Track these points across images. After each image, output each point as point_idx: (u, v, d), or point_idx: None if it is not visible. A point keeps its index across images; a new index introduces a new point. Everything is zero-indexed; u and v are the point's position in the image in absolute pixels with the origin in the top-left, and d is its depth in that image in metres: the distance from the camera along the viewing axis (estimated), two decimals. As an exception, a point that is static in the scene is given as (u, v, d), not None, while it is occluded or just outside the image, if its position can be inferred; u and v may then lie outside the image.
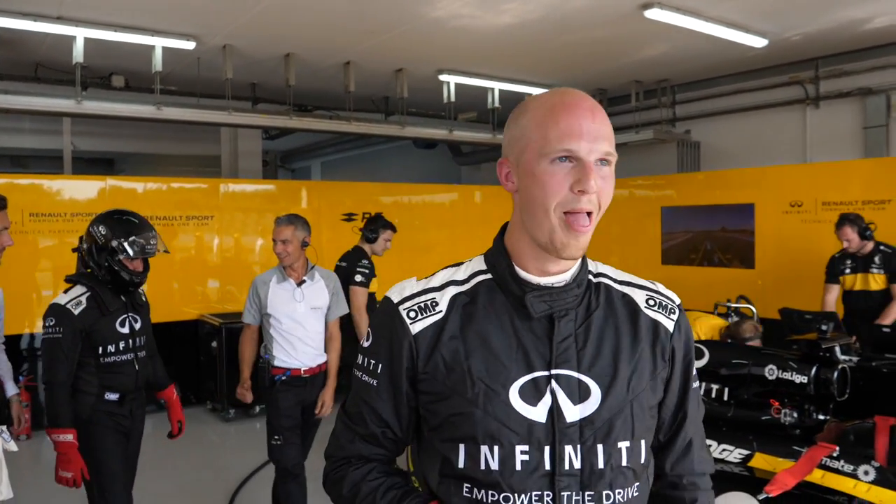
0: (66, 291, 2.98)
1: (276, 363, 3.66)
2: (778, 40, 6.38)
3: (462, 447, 1.12)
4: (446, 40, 6.27)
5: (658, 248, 7.53)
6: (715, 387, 3.27)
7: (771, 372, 3.05)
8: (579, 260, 1.19)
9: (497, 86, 7.86)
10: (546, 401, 1.11)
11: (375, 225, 5.22)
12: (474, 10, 5.46)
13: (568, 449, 1.11)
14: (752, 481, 2.88)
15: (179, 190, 7.09)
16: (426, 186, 8.91)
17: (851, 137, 7.04)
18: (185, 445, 6.04)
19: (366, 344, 1.23)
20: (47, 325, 2.90)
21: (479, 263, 1.23)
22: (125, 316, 3.06)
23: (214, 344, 6.59)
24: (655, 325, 1.21)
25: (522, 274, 1.16)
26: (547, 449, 1.11)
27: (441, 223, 8.37)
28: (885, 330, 4.13)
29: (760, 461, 2.90)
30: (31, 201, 6.17)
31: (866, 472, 2.61)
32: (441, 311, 1.17)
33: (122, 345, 3.02)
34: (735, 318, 4.52)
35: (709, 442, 2.98)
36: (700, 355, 3.35)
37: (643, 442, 1.16)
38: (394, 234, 5.33)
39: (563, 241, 1.10)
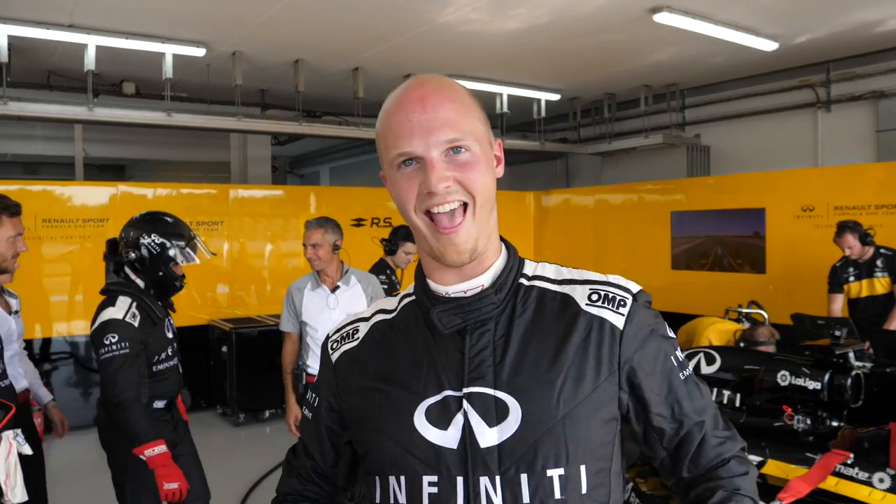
0: (111, 304, 2.74)
1: (310, 371, 3.55)
2: (788, 44, 6.36)
3: (377, 480, 1.01)
4: (454, 46, 6.28)
5: (668, 253, 7.50)
6: (727, 393, 3.25)
7: (783, 378, 3.03)
8: (499, 262, 1.04)
9: (505, 91, 7.86)
10: (457, 423, 0.96)
11: (395, 237, 5.10)
12: (483, 15, 5.46)
13: (484, 480, 0.94)
14: (765, 488, 2.85)
15: (189, 196, 7.11)
16: (435, 191, 8.91)
17: (864, 141, 6.99)
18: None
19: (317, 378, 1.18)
20: (109, 342, 2.65)
21: (410, 287, 1.13)
22: (167, 321, 2.94)
23: (225, 349, 6.61)
24: (599, 322, 1.01)
25: (433, 286, 1.04)
26: (460, 480, 0.95)
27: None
28: (900, 335, 4.10)
29: (773, 468, 2.87)
30: (43, 207, 6.20)
31: (881, 480, 2.58)
32: (357, 339, 1.10)
33: (169, 351, 2.90)
34: (747, 324, 4.49)
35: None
36: (711, 361, 3.33)
37: (584, 468, 0.96)
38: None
39: (439, 248, 0.98)
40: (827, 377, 2.92)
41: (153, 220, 2.90)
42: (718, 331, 4.31)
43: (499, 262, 1.05)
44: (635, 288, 1.06)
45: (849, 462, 2.67)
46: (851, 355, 3.02)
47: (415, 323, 1.06)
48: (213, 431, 6.38)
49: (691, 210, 7.31)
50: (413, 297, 1.10)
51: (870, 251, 5.13)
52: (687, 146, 8.32)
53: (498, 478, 0.94)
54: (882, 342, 4.09)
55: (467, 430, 0.95)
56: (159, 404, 2.83)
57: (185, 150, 9.85)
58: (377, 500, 1.01)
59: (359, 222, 7.68)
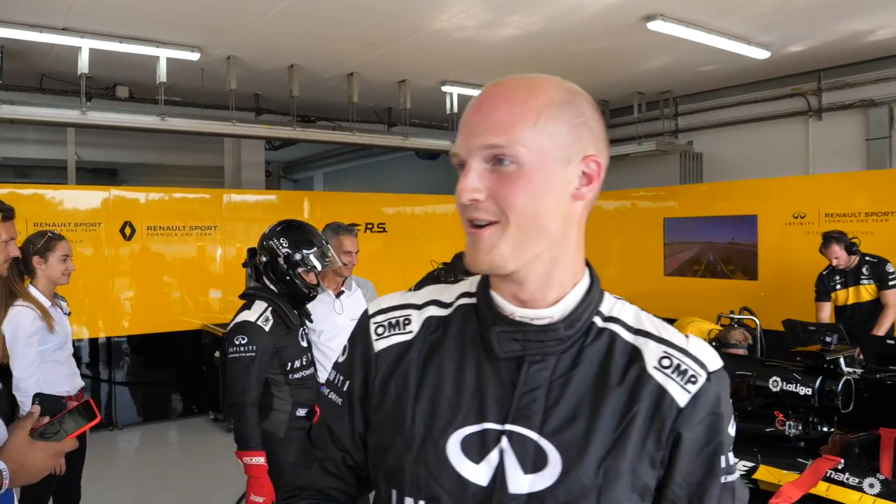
0: (247, 308, 2.86)
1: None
2: (780, 52, 6.41)
3: (393, 494, 0.93)
4: (449, 52, 6.29)
5: (661, 259, 7.53)
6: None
7: (775, 384, 3.04)
8: (575, 294, 0.94)
9: (500, 97, 7.87)
10: (491, 460, 0.88)
11: (455, 270, 4.89)
12: (477, 21, 5.48)
13: None
14: (756, 494, 2.86)
15: (182, 200, 7.10)
16: (429, 197, 8.92)
17: (854, 149, 7.04)
18: (187, 456, 6.04)
19: (340, 359, 1.07)
20: (238, 342, 2.76)
21: (470, 284, 1.03)
22: (302, 330, 2.99)
23: (217, 354, 6.58)
24: (660, 392, 0.90)
25: (498, 300, 0.94)
26: None
27: (444, 234, 8.37)
28: (890, 342, 4.12)
29: (765, 473, 2.88)
30: (34, 211, 6.18)
31: (871, 485, 2.59)
32: (411, 332, 0.99)
33: (304, 359, 2.95)
34: (735, 326, 4.51)
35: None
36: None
37: None
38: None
39: (469, 253, 0.90)
40: (818, 383, 2.93)
41: (285, 228, 3.00)
42: (695, 330, 4.36)
43: (574, 294, 0.94)
44: (714, 366, 0.94)
45: (839, 467, 2.68)
46: (842, 361, 3.04)
47: (470, 334, 0.96)
48: (206, 437, 6.35)
49: (684, 217, 7.35)
50: (473, 301, 0.99)
51: (855, 259, 5.20)
52: (680, 153, 8.36)
53: None
54: (872, 348, 4.11)
55: (500, 470, 0.88)
56: (301, 412, 2.89)
57: (178, 155, 9.82)
58: None
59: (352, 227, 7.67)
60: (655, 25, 5.42)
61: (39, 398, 3.04)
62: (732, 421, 0.97)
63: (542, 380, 0.90)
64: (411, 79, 7.30)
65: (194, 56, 6.16)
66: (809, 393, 2.94)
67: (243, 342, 2.74)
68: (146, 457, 6.03)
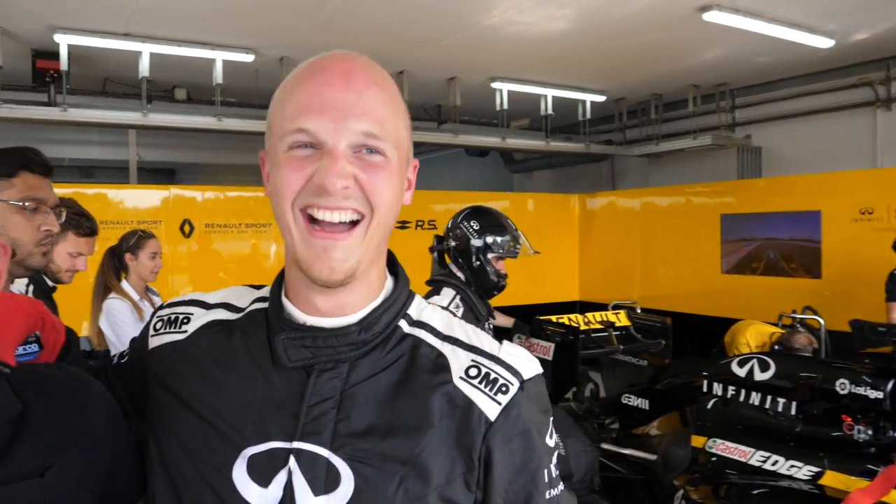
0: (436, 294, 2.69)
1: None
2: (845, 41, 6.16)
3: None
4: (500, 48, 6.25)
5: (718, 257, 7.34)
6: (781, 401, 3.15)
7: (842, 386, 2.93)
8: (379, 297, 0.86)
9: (550, 93, 7.80)
10: (279, 482, 0.79)
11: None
12: (529, 16, 5.43)
13: None
14: (823, 500, 2.76)
15: (237, 199, 7.23)
16: (478, 195, 8.89)
17: (925, 141, 6.75)
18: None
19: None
20: None
21: (267, 289, 0.93)
22: (488, 323, 2.81)
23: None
24: (467, 405, 0.82)
25: (288, 307, 0.86)
26: None
27: (495, 231, 8.34)
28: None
29: (832, 479, 2.78)
30: (98, 210, 6.32)
31: (947, 494, 2.48)
32: (185, 333, 0.90)
33: None
34: (801, 329, 4.36)
35: (776, 458, 2.88)
36: (765, 367, 3.24)
37: None
38: None
39: (308, 256, 0.78)
40: (890, 386, 2.82)
41: (477, 212, 2.87)
42: (756, 333, 4.24)
43: (379, 298, 0.86)
44: (529, 372, 0.86)
45: (913, 475, 2.57)
46: (915, 363, 2.91)
47: (257, 342, 0.86)
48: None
49: (742, 213, 7.15)
50: (265, 306, 0.90)
51: None
52: (737, 147, 8.14)
53: None
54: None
55: (289, 493, 0.78)
56: None
57: (233, 154, 10.02)
58: None
59: (403, 225, 7.70)
60: (711, 16, 5.27)
61: None
62: (552, 429, 0.89)
63: (333, 389, 0.81)
64: (461, 76, 7.28)
65: (249, 58, 6.26)
66: (881, 396, 2.82)
67: None
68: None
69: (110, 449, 0.86)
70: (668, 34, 5.94)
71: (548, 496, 0.85)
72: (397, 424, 0.80)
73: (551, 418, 0.90)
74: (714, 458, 3.14)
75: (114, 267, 3.46)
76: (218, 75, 6.24)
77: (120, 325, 3.33)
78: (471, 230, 2.80)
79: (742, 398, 3.25)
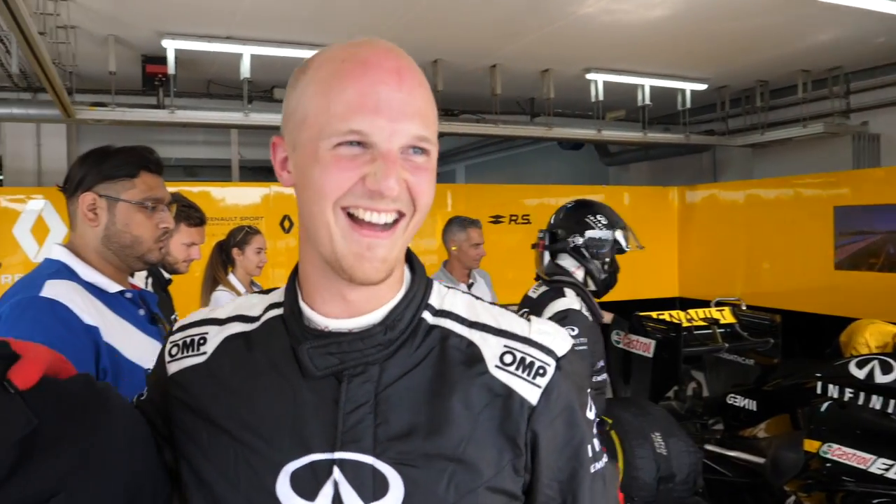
0: (560, 295, 2.47)
1: None
2: (976, 17, 5.68)
3: None
4: (595, 38, 6.11)
5: (830, 252, 6.92)
6: (907, 405, 2.94)
7: (978, 391, 2.69)
8: (400, 292, 0.84)
9: (647, 82, 7.57)
10: (326, 494, 0.77)
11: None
12: (626, 4, 5.27)
13: None
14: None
15: (334, 195, 7.40)
16: (573, 188, 8.74)
17: None
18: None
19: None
20: (570, 334, 2.39)
21: (281, 293, 0.90)
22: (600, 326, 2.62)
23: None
24: (507, 393, 0.81)
25: (307, 312, 0.83)
26: None
27: (589, 225, 8.19)
28: None
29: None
30: (202, 207, 6.61)
31: None
32: (205, 354, 0.87)
33: (602, 361, 2.54)
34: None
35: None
36: (888, 369, 3.02)
37: None
38: None
39: (352, 254, 0.76)
40: None
41: (593, 206, 2.69)
42: (876, 332, 3.96)
43: (399, 293, 0.84)
44: (562, 349, 0.85)
45: None
46: None
47: (280, 351, 0.83)
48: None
49: (858, 205, 6.70)
50: (280, 312, 0.87)
51: None
52: (852, 135, 7.65)
53: None
54: None
55: None
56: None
57: (329, 152, 10.28)
58: None
59: (497, 219, 7.67)
60: (824, -4, 4.97)
61: None
62: (590, 402, 0.88)
63: (367, 394, 0.79)
64: (555, 68, 7.16)
65: (344, 56, 6.38)
66: None
67: (574, 333, 2.32)
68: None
69: (128, 472, 0.79)
70: (773, 17, 5.64)
71: (592, 470, 0.86)
72: (438, 422, 0.79)
73: (588, 390, 0.89)
74: (829, 464, 2.97)
75: (222, 261, 3.63)
76: (315, 74, 6.39)
77: None
78: (599, 225, 2.60)
79: (861, 401, 3.05)
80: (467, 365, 0.82)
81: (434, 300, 0.87)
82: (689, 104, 8.07)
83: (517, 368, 0.82)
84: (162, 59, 6.12)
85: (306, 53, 6.22)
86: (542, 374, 0.82)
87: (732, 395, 3.77)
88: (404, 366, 0.81)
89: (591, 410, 0.88)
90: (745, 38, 6.21)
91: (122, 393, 1.36)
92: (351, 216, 0.76)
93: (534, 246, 2.73)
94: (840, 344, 4.33)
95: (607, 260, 2.60)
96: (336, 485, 0.77)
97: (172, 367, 0.88)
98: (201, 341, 0.89)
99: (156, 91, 6.54)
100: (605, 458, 0.89)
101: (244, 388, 0.83)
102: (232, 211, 6.84)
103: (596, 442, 0.88)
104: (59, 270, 1.54)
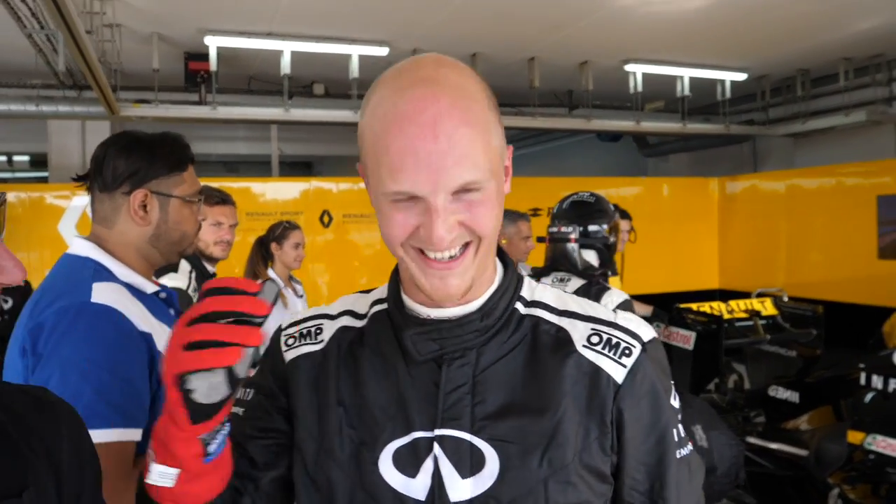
0: (605, 290, 2.45)
1: None
2: None
3: None
4: (633, 29, 6.08)
5: (874, 241, 6.80)
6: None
7: None
8: (494, 284, 0.90)
9: (687, 73, 7.50)
10: (427, 470, 0.84)
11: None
12: (664, -6, 5.25)
13: None
14: None
15: (372, 189, 7.47)
16: (611, 180, 8.72)
17: None
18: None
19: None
20: None
21: (383, 290, 0.97)
22: None
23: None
24: (594, 371, 0.86)
25: (409, 303, 0.90)
26: None
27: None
28: None
29: None
30: (243, 202, 6.78)
31: None
32: (322, 342, 0.94)
33: None
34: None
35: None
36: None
37: None
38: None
39: (427, 285, 0.83)
40: None
41: (598, 197, 2.73)
42: None
43: (494, 285, 0.91)
44: (647, 335, 0.90)
45: None
46: None
47: (386, 341, 0.91)
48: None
49: (903, 194, 6.58)
50: (385, 307, 0.94)
51: None
52: (895, 123, 7.48)
53: None
54: None
55: (437, 479, 0.83)
56: None
57: (366, 146, 10.36)
58: None
59: (535, 212, 7.68)
60: (870, -18, 4.88)
61: None
62: (674, 391, 0.92)
63: (465, 376, 0.85)
64: (593, 59, 7.14)
65: (383, 51, 6.45)
66: None
67: None
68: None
69: (77, 484, 0.78)
70: (814, 5, 5.55)
71: (678, 455, 0.89)
72: (531, 400, 0.85)
73: (671, 381, 0.92)
74: (873, 456, 2.95)
75: (261, 256, 3.72)
76: (354, 69, 6.46)
77: None
78: (616, 217, 2.63)
79: (906, 393, 3.03)
80: (557, 346, 0.88)
81: (525, 292, 0.94)
82: (728, 94, 7.97)
83: (604, 348, 0.88)
84: (204, 56, 6.25)
85: (345, 49, 6.30)
86: (628, 355, 0.87)
87: (774, 386, 3.75)
88: (499, 351, 0.88)
89: (675, 399, 0.92)
90: (785, 26, 6.12)
91: None
92: (421, 250, 0.82)
93: (542, 239, 2.70)
94: (883, 334, 4.27)
95: (616, 250, 2.62)
96: (436, 459, 0.84)
97: (290, 355, 0.95)
98: (318, 331, 0.96)
99: (198, 87, 6.65)
100: (689, 446, 0.92)
101: (354, 374, 0.90)
102: (272, 206, 6.96)
103: (681, 428, 0.91)
104: (99, 271, 1.41)
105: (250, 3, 5.29)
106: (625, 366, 0.87)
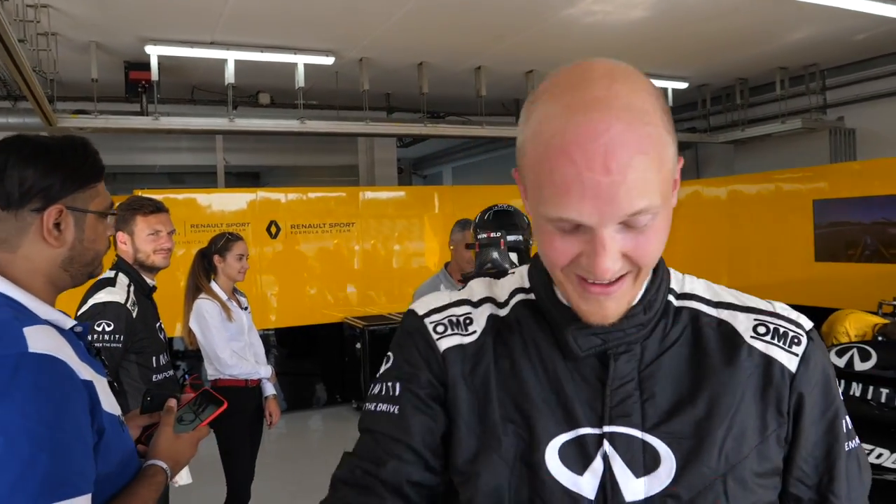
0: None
1: None
2: (946, 13, 5.80)
3: None
4: (577, 39, 6.19)
5: (810, 244, 7.04)
6: (885, 391, 3.02)
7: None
8: (648, 274, 0.84)
9: (630, 82, 7.64)
10: (596, 468, 0.80)
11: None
12: (607, 5, 5.35)
13: None
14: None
15: (321, 199, 7.42)
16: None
17: None
18: (331, 442, 6.33)
19: (383, 368, 0.93)
20: None
21: (520, 279, 0.94)
22: None
23: (359, 345, 6.85)
24: (767, 361, 0.84)
25: (563, 299, 0.86)
26: None
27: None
28: None
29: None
30: (189, 214, 6.67)
31: None
32: (475, 333, 0.89)
33: None
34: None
35: (880, 450, 2.75)
36: (866, 357, 3.10)
37: None
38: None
39: (583, 308, 0.80)
40: None
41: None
42: (856, 322, 4.06)
43: (647, 277, 0.86)
44: (808, 323, 0.88)
45: None
46: None
47: (539, 334, 0.87)
48: (348, 425, 6.62)
49: (836, 198, 6.83)
50: (530, 297, 0.91)
51: None
52: (829, 130, 7.78)
53: None
54: None
55: (608, 478, 0.80)
56: None
57: (315, 156, 10.29)
58: None
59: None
60: (800, -6, 5.07)
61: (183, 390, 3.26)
62: (835, 381, 0.91)
63: (631, 372, 0.83)
64: (539, 69, 7.24)
65: (329, 60, 6.42)
66: None
67: None
68: (292, 443, 6.38)
69: None
70: (751, 17, 5.74)
71: (847, 448, 0.87)
72: (703, 394, 0.82)
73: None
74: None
75: (204, 269, 3.65)
76: (300, 79, 6.42)
77: (208, 324, 3.51)
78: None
79: (842, 389, 3.13)
80: (724, 339, 0.86)
81: (675, 285, 0.92)
82: (671, 102, 8.17)
83: (773, 338, 0.86)
84: (145, 66, 6.12)
85: (291, 58, 6.24)
86: (798, 343, 0.86)
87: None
88: (662, 345, 0.85)
89: (838, 388, 0.90)
90: (724, 37, 6.31)
91: (110, 450, 1.22)
92: (580, 276, 0.79)
93: (470, 246, 2.82)
94: (821, 334, 4.41)
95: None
96: (606, 458, 0.80)
97: (444, 343, 0.89)
98: (468, 321, 0.91)
99: (139, 98, 6.51)
100: (857, 439, 0.89)
101: (510, 367, 0.86)
102: (218, 217, 6.85)
103: (848, 419, 0.89)
104: (20, 311, 1.20)
105: (192, 11, 5.20)
106: (796, 354, 0.85)
